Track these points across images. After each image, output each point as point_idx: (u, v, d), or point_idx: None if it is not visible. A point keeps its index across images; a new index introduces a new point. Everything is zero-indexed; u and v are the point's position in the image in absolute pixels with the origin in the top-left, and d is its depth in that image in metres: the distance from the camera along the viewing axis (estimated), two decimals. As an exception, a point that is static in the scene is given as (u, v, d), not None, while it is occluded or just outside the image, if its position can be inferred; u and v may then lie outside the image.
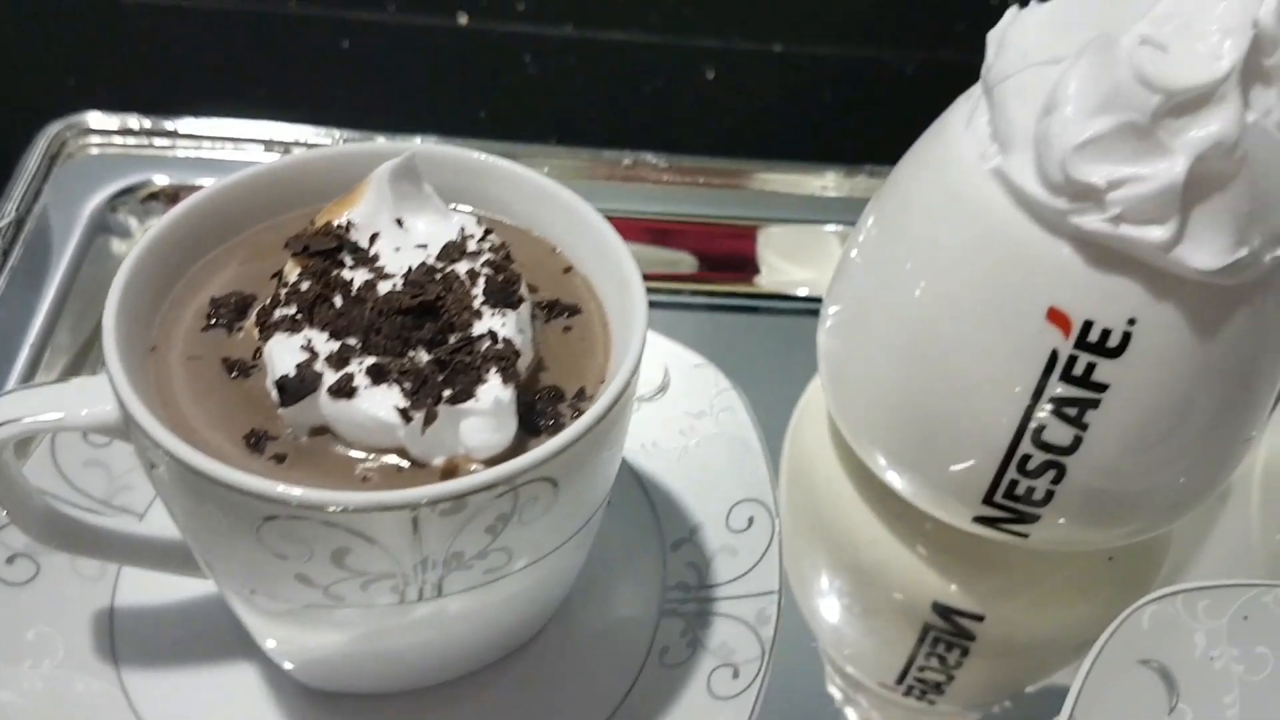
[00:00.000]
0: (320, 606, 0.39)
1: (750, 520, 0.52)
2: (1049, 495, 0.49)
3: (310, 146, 0.68)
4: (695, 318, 0.70)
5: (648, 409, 0.56)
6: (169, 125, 0.70)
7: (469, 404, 0.38)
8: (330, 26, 0.89)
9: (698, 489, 0.54)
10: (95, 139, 0.70)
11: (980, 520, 0.52)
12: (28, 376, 0.59)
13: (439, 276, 0.41)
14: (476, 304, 0.40)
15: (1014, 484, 0.49)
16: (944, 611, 0.56)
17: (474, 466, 0.38)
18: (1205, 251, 0.43)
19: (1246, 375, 0.48)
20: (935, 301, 0.49)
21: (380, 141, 0.43)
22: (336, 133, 0.68)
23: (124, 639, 0.47)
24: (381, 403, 0.38)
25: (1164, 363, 0.46)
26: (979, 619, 0.56)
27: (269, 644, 0.44)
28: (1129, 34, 0.43)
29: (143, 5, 0.86)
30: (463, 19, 0.91)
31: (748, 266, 0.72)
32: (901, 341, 0.51)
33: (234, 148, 0.71)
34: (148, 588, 0.48)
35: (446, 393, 0.38)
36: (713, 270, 0.72)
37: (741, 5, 0.85)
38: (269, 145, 0.70)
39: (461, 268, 0.41)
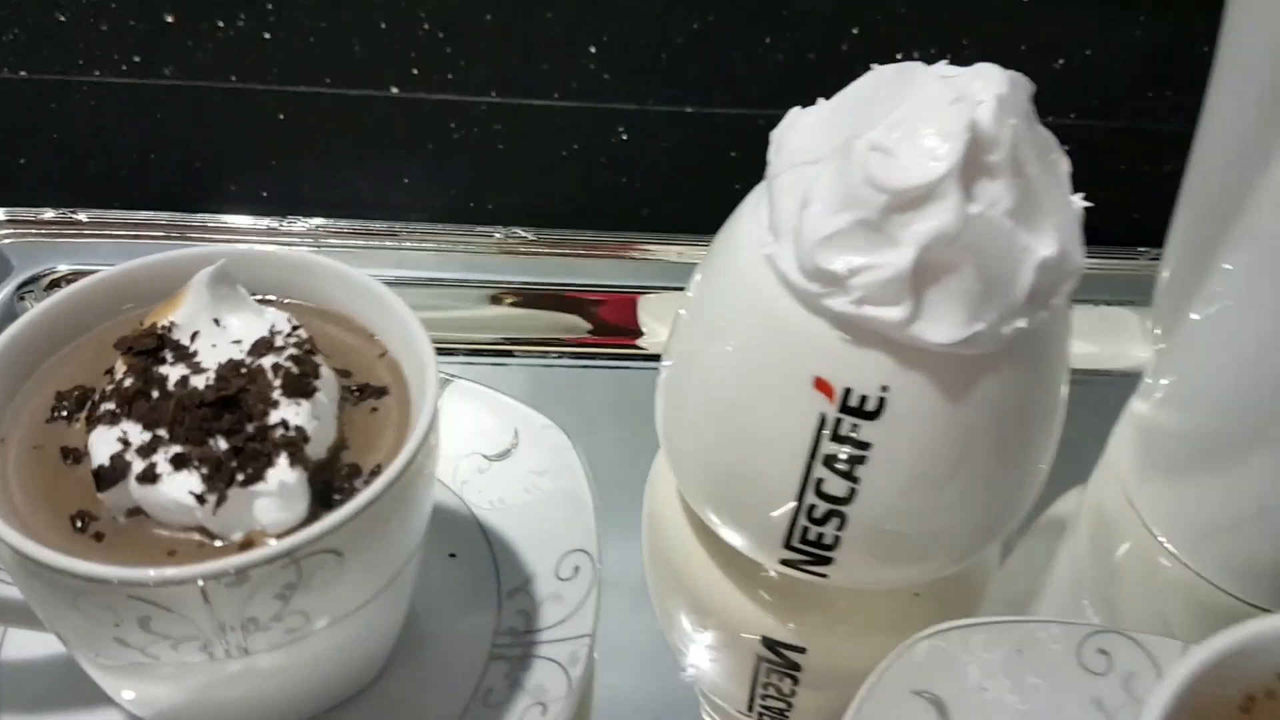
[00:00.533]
0: (143, 664, 0.44)
1: (576, 569, 0.57)
2: (837, 540, 0.54)
3: (208, 230, 0.74)
4: (575, 377, 0.76)
5: (497, 468, 0.62)
6: (78, 216, 0.76)
7: (258, 486, 0.43)
8: (269, 100, 0.94)
9: (534, 541, 0.59)
10: (4, 231, 0.75)
11: (785, 563, 0.57)
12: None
13: (245, 370, 0.46)
14: (275, 394, 0.45)
15: (806, 530, 0.54)
16: (771, 645, 0.61)
17: (268, 540, 0.43)
18: (940, 327, 0.48)
19: (1005, 433, 0.53)
20: (730, 366, 0.55)
21: (207, 248, 0.50)
22: (237, 219, 0.73)
23: (8, 692, 0.52)
24: (180, 487, 0.43)
25: (918, 424, 0.51)
26: (801, 651, 0.61)
27: (125, 696, 0.49)
28: (862, 140, 0.48)
29: (85, 84, 0.91)
30: (394, 90, 0.96)
31: (630, 331, 0.78)
32: (706, 400, 0.56)
33: (134, 234, 0.76)
34: (33, 643, 0.52)
35: (239, 477, 0.43)
36: (595, 335, 0.78)
37: (655, 71, 0.90)
38: (168, 232, 0.76)
39: (268, 361, 0.47)
